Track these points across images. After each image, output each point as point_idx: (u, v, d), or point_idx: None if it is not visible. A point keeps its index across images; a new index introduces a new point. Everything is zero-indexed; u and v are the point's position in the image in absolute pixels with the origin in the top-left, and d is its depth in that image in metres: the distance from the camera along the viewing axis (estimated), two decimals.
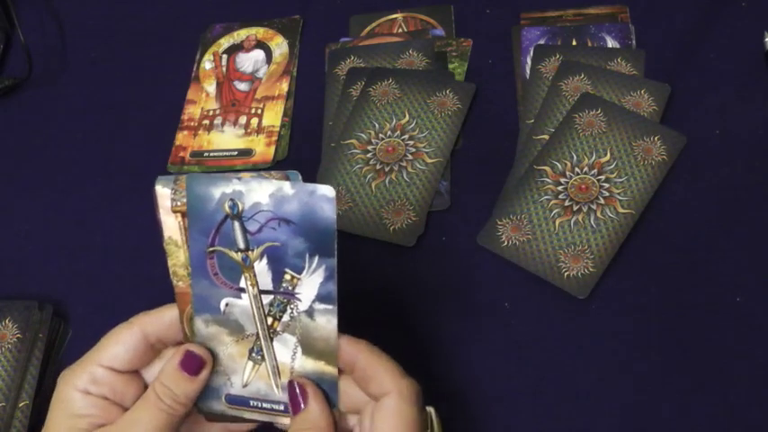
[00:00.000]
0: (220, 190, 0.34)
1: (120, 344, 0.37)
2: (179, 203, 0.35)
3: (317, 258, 0.34)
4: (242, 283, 0.36)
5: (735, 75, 0.54)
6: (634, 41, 0.57)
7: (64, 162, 0.61)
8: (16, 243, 0.58)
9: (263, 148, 0.57)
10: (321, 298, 0.35)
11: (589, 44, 0.57)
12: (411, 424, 0.35)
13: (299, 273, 0.35)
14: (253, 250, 0.35)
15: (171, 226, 0.35)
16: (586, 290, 0.47)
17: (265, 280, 0.35)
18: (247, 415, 0.38)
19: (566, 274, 0.48)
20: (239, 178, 0.34)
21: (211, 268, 0.35)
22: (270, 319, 0.36)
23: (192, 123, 0.60)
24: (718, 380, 0.45)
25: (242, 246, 0.35)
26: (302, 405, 0.36)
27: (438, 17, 0.61)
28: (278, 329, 0.36)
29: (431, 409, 0.38)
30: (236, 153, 0.58)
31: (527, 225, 0.50)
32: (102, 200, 0.58)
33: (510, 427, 0.45)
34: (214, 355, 0.37)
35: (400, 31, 0.62)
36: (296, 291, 0.35)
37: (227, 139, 0.59)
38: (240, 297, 0.36)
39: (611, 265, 0.48)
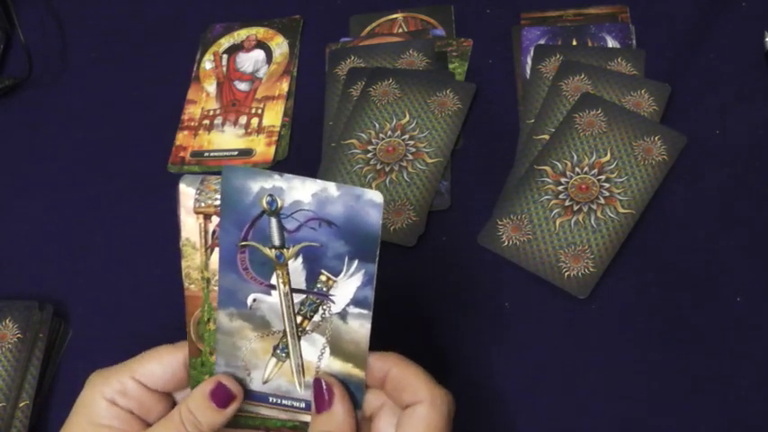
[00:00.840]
0: (259, 184, 0.33)
1: (159, 363, 0.37)
2: (203, 205, 0.35)
3: (356, 262, 0.34)
4: (273, 280, 0.35)
5: (735, 75, 0.54)
6: (634, 41, 0.57)
7: (64, 162, 0.61)
8: (16, 243, 0.57)
9: (263, 148, 0.57)
10: (356, 302, 0.35)
11: (589, 44, 0.57)
12: None
13: (336, 275, 0.34)
14: (288, 248, 0.34)
15: (190, 227, 0.35)
16: (587, 290, 0.47)
17: (299, 279, 0.35)
18: (265, 411, 0.38)
19: (566, 273, 0.48)
20: (281, 174, 0.33)
21: (241, 262, 0.35)
22: (299, 318, 0.36)
23: (193, 123, 0.60)
24: (719, 380, 0.45)
25: (277, 243, 0.34)
26: (327, 405, 0.35)
27: (438, 17, 0.61)
28: (307, 329, 0.36)
29: None
30: (236, 153, 0.58)
31: (527, 225, 0.50)
32: (102, 200, 0.58)
33: (510, 427, 0.45)
34: (235, 350, 0.36)
35: (400, 31, 0.62)
36: (330, 292, 0.35)
37: (227, 138, 0.59)
38: (269, 294, 0.35)
39: (611, 265, 0.48)
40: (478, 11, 0.61)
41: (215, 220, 0.35)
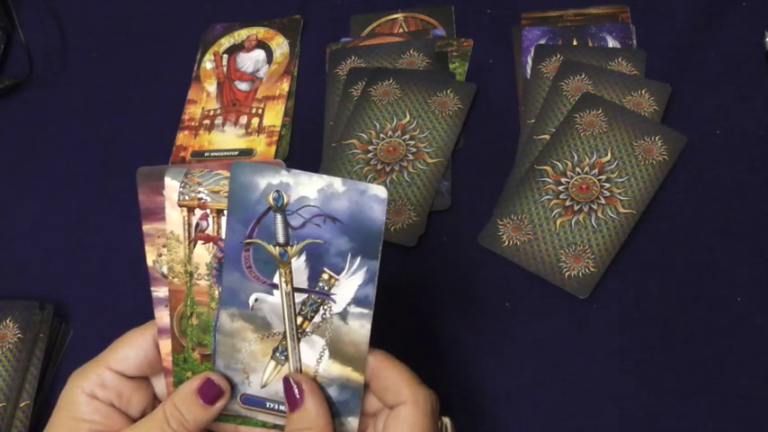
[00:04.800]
0: (266, 180, 0.33)
1: (131, 347, 0.37)
2: (187, 198, 0.34)
3: (359, 259, 0.33)
4: (275, 279, 0.34)
5: (735, 75, 0.54)
6: (635, 41, 0.57)
7: (64, 162, 0.61)
8: (16, 243, 0.57)
9: (263, 148, 0.57)
10: (358, 301, 0.34)
11: (590, 44, 0.57)
12: None
13: (339, 273, 0.34)
14: (292, 246, 0.34)
15: (175, 220, 0.35)
16: (587, 290, 0.47)
17: (301, 278, 0.34)
18: (261, 417, 0.37)
19: (566, 273, 0.48)
20: (288, 170, 0.33)
21: (245, 261, 0.34)
22: (300, 319, 0.35)
23: (193, 123, 0.60)
24: (719, 380, 0.45)
25: (282, 240, 0.33)
26: (299, 402, 0.35)
27: (439, 17, 0.61)
28: (307, 330, 0.35)
29: (446, 419, 0.38)
30: (236, 153, 0.58)
31: (528, 225, 0.50)
32: (102, 200, 0.58)
33: (510, 427, 0.45)
34: (235, 353, 0.36)
35: (401, 31, 0.62)
36: (332, 291, 0.34)
37: (227, 138, 0.59)
38: (272, 293, 0.35)
39: (611, 265, 0.48)
40: (479, 11, 0.61)
41: (198, 212, 0.35)
